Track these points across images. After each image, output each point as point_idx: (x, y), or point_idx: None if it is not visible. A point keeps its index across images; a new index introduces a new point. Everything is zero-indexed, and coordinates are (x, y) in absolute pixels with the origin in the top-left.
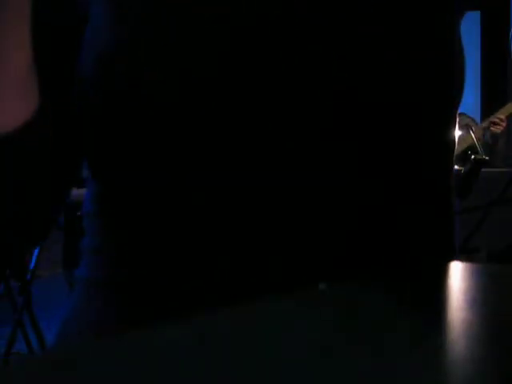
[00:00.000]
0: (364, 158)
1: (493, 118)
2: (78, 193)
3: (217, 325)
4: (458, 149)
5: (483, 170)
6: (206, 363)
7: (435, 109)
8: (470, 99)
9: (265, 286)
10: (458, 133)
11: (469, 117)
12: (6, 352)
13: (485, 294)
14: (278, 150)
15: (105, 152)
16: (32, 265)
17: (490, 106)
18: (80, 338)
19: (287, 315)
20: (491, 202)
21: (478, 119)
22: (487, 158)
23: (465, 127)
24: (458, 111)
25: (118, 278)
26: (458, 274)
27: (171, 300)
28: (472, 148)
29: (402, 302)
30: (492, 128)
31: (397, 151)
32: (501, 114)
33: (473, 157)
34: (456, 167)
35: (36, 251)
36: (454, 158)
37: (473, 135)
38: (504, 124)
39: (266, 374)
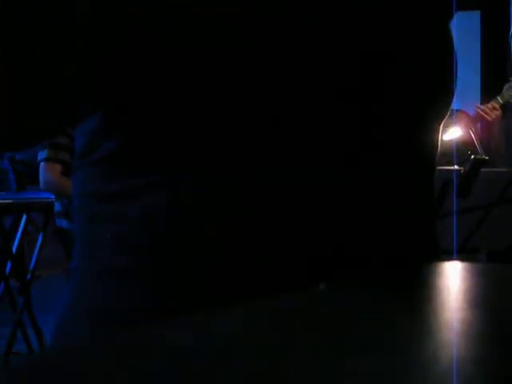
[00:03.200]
0: (359, 156)
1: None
2: None
3: (216, 325)
4: (458, 149)
5: (483, 169)
6: (205, 363)
7: (430, 108)
8: (470, 99)
9: (265, 286)
10: (458, 132)
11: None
12: (6, 352)
13: (485, 294)
14: (276, 150)
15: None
16: (32, 265)
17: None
18: (79, 327)
19: (287, 315)
20: (491, 202)
21: None
22: (487, 157)
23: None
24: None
25: (117, 265)
26: (457, 273)
27: (170, 287)
28: (472, 148)
29: (402, 302)
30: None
31: (392, 150)
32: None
33: (473, 157)
34: (456, 167)
35: (36, 251)
36: (454, 158)
37: (473, 135)
38: (495, 113)
39: (266, 373)
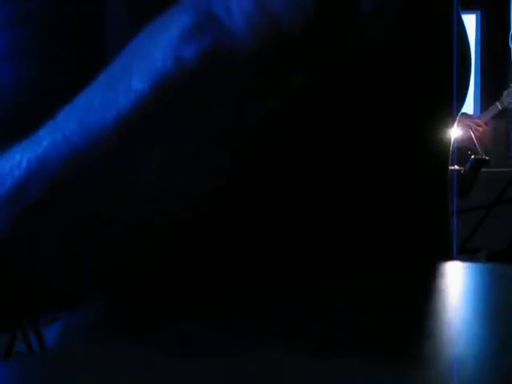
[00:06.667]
0: (363, 158)
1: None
2: None
3: (216, 324)
4: (457, 149)
5: (483, 169)
6: (206, 362)
7: (438, 108)
8: (470, 100)
9: (264, 286)
10: (457, 132)
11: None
12: (7, 352)
13: (485, 294)
14: (279, 159)
15: None
16: None
17: (489, 106)
18: (85, 326)
19: (287, 315)
20: (491, 202)
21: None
22: (487, 157)
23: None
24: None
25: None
26: (458, 273)
27: (173, 294)
28: (472, 148)
29: (402, 302)
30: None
31: (397, 150)
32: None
33: (473, 157)
34: (456, 167)
35: None
36: (455, 158)
37: (473, 135)
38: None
39: (266, 373)
